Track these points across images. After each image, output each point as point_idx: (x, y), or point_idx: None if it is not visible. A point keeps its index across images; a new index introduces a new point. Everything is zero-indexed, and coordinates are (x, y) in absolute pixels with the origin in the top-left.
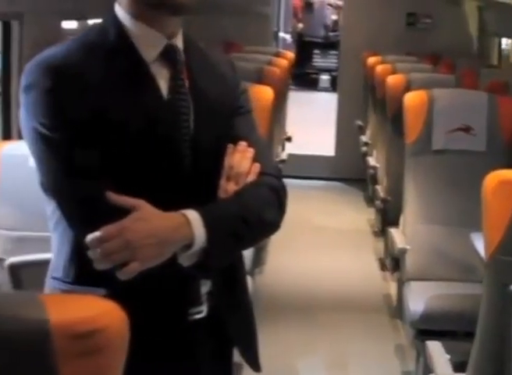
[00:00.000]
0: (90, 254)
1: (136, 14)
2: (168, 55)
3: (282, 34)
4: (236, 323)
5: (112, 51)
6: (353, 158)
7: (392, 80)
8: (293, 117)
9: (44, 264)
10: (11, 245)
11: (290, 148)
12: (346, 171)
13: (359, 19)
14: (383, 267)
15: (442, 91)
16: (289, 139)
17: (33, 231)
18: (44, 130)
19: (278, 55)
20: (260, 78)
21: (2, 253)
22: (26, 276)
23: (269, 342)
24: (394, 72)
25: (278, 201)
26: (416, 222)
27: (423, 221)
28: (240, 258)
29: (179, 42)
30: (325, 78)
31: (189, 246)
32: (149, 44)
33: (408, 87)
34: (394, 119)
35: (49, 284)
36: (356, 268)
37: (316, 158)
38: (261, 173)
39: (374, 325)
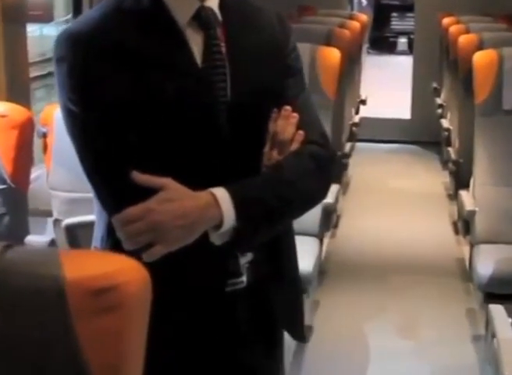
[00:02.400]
0: (118, 234)
1: None
2: (201, 17)
3: None
4: (278, 294)
5: (146, 17)
6: (429, 121)
7: (464, 39)
8: (369, 81)
9: None
10: (67, 206)
11: (366, 112)
12: (422, 134)
13: None
14: (457, 230)
15: None
16: (363, 102)
17: (88, 193)
18: (72, 106)
19: (351, 17)
20: (329, 40)
21: (59, 214)
22: (81, 235)
23: (340, 305)
24: (467, 32)
25: (319, 170)
26: (485, 183)
27: (492, 183)
28: (288, 228)
29: (213, 3)
30: (402, 41)
31: (219, 225)
32: (182, 7)
33: (480, 47)
34: (465, 79)
35: None
36: (430, 231)
37: (392, 121)
38: (305, 141)
39: (446, 289)
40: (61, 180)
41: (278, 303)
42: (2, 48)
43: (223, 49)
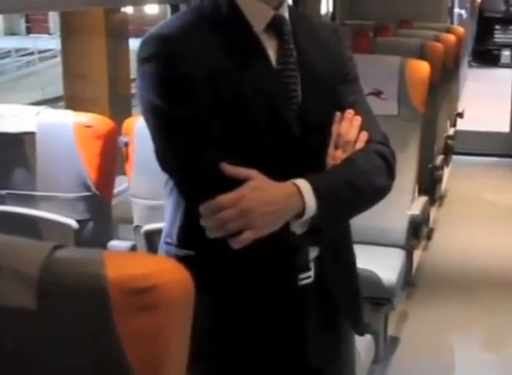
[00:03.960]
0: (204, 222)
1: None
2: (275, 25)
3: (457, 10)
4: (341, 288)
5: (225, 23)
6: None
7: None
8: (470, 94)
9: None
10: (146, 213)
11: (464, 125)
12: None
13: None
14: None
15: None
16: (460, 115)
17: None
18: (161, 104)
19: (447, 31)
20: (422, 53)
21: (139, 220)
22: (159, 240)
23: (428, 318)
24: None
25: (387, 166)
26: None
27: None
28: (347, 225)
29: (285, 12)
30: (506, 54)
31: (300, 214)
32: (257, 15)
33: None
34: None
35: (162, 249)
36: None
37: (490, 134)
38: (369, 141)
39: None
40: (141, 188)
41: (341, 295)
42: (106, 63)
43: (294, 55)
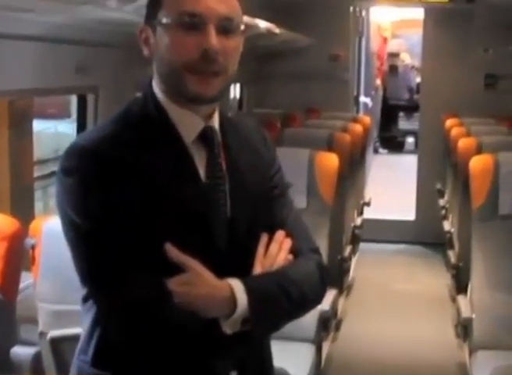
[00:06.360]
0: None
1: (172, 97)
2: (205, 137)
3: (362, 98)
4: None
5: (154, 134)
6: (434, 222)
7: (463, 143)
8: (377, 180)
9: None
10: (52, 319)
11: (371, 212)
12: (427, 235)
13: (438, 80)
14: (458, 334)
15: (509, 155)
16: (367, 204)
17: (74, 305)
18: (76, 218)
19: (354, 120)
20: (330, 144)
21: (44, 326)
22: (67, 348)
23: None
24: (468, 135)
25: (320, 277)
26: (483, 289)
27: (490, 288)
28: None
29: (215, 122)
30: (410, 141)
31: (231, 313)
32: (187, 126)
33: (479, 151)
34: (464, 183)
35: (75, 365)
36: (432, 335)
37: (396, 222)
38: (303, 251)
39: None
40: (47, 292)
41: None
42: (8, 151)
43: (224, 167)
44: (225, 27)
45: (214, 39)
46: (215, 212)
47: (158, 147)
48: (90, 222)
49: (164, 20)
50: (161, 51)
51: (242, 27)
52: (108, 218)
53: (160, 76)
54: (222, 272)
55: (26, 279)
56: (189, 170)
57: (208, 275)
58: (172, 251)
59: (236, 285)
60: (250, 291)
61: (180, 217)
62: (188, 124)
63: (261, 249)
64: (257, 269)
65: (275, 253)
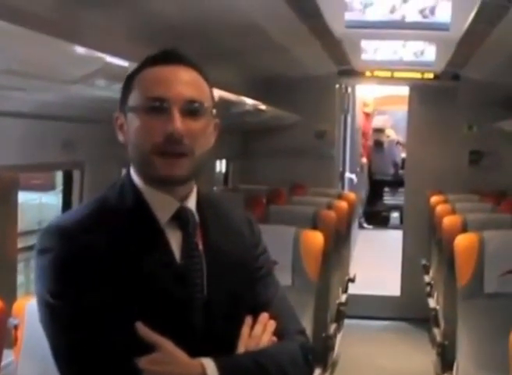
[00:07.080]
0: None
1: (145, 180)
2: (180, 217)
3: (348, 174)
4: None
5: (129, 215)
6: (419, 298)
7: (448, 221)
8: (361, 256)
9: None
10: None
11: (356, 288)
12: (412, 311)
13: (423, 156)
14: None
15: (494, 233)
16: (352, 280)
17: None
18: (49, 298)
19: (340, 197)
20: (315, 222)
21: None
22: None
23: None
24: (453, 212)
25: (303, 358)
26: (468, 368)
27: (475, 367)
28: None
29: (191, 203)
30: (395, 216)
31: None
32: (162, 207)
33: (464, 229)
34: (449, 260)
35: None
36: None
37: (381, 298)
38: (288, 332)
39: None
40: (29, 373)
41: None
42: None
43: (200, 248)
44: (191, 110)
45: (178, 122)
46: (190, 292)
47: (133, 230)
48: (61, 301)
49: (133, 105)
50: (131, 135)
51: (212, 110)
52: (78, 299)
53: (132, 160)
54: (197, 352)
55: (8, 357)
56: (163, 252)
57: (179, 353)
58: (143, 330)
59: (208, 364)
60: (221, 368)
61: (154, 298)
62: (162, 206)
63: (245, 330)
64: (241, 350)
65: (259, 334)
